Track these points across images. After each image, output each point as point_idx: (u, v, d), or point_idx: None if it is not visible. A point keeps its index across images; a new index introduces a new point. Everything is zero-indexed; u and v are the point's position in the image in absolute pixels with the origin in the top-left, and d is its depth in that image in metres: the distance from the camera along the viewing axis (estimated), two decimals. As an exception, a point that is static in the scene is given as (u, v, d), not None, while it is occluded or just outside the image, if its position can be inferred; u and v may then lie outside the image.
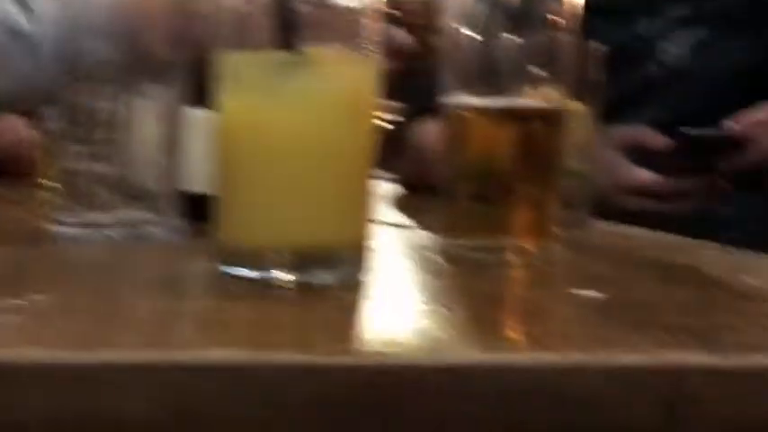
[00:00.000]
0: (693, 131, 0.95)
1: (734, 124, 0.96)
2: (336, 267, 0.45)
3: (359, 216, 0.47)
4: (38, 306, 0.39)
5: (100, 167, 0.58)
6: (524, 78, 0.60)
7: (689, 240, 0.78)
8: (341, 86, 0.45)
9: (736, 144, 0.96)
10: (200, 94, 0.56)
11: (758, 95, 0.74)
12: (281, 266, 0.44)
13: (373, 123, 0.47)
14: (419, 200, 1.16)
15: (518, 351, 0.35)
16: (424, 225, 0.79)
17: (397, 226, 0.78)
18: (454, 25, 0.62)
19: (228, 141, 0.45)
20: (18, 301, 0.39)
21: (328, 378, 0.31)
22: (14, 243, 0.58)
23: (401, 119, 1.35)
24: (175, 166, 0.60)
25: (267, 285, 0.44)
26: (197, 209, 0.56)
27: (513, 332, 0.40)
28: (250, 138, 0.44)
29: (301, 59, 0.44)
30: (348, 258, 0.46)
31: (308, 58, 0.45)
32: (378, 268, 0.51)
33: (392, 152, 1.35)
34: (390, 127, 1.32)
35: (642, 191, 0.97)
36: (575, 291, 0.47)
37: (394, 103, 1.26)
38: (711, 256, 0.64)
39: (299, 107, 0.44)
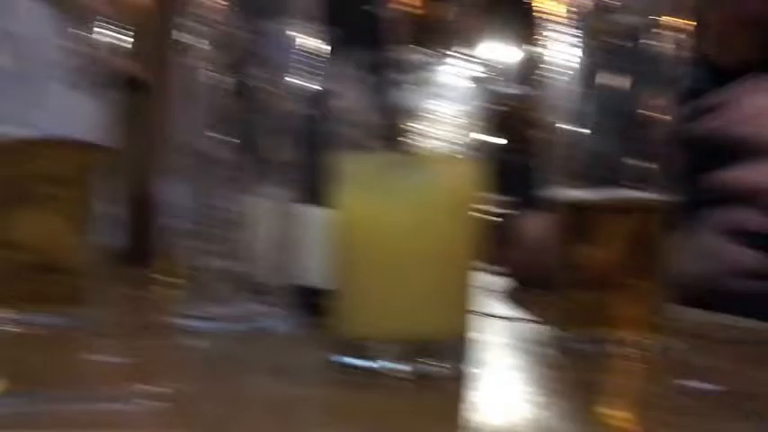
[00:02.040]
0: None
1: None
2: (444, 358, 0.46)
3: (462, 308, 0.48)
4: (173, 393, 0.42)
5: (222, 264, 0.62)
6: (626, 171, 0.61)
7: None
8: (447, 184, 0.47)
9: None
10: (314, 192, 0.59)
11: None
12: (390, 357, 0.45)
13: (477, 219, 0.49)
14: (528, 292, 1.16)
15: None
16: (533, 317, 0.79)
17: (505, 318, 0.78)
18: (555, 119, 0.63)
19: (343, 238, 0.48)
20: (155, 389, 0.42)
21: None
22: (142, 335, 0.62)
23: (508, 212, 1.36)
24: (291, 262, 0.63)
25: (377, 375, 0.45)
26: (311, 302, 0.58)
27: (628, 424, 0.40)
28: (363, 234, 0.47)
29: (410, 160, 0.47)
30: (452, 350, 0.47)
31: (417, 159, 0.47)
32: (485, 360, 0.52)
33: (501, 246, 1.35)
34: (498, 220, 1.33)
35: (749, 273, 0.95)
36: (686, 382, 0.47)
37: (501, 197, 1.27)
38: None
39: (410, 205, 0.46)
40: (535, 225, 1.21)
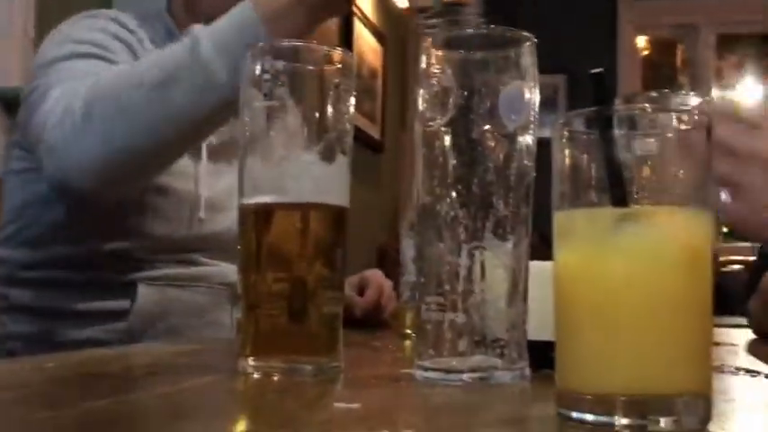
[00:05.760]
0: None
1: None
2: (676, 415, 0.46)
3: (698, 363, 0.48)
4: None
5: (455, 318, 0.64)
6: None
7: None
8: (670, 238, 0.47)
9: None
10: (541, 246, 0.61)
11: None
12: (618, 412, 0.46)
13: (708, 272, 0.48)
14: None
15: None
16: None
17: (749, 372, 0.75)
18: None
19: (565, 292, 0.49)
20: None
21: None
22: (383, 385, 0.66)
23: (755, 263, 1.30)
24: (521, 315, 0.65)
25: (606, 430, 0.46)
26: (541, 356, 0.59)
27: None
28: (584, 289, 0.48)
29: (632, 214, 0.48)
30: (688, 406, 0.46)
31: (639, 214, 0.48)
32: (725, 416, 0.50)
33: (745, 297, 1.29)
34: (739, 272, 1.28)
35: None
36: None
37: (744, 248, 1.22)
38: None
39: (638, 258, 0.47)
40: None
